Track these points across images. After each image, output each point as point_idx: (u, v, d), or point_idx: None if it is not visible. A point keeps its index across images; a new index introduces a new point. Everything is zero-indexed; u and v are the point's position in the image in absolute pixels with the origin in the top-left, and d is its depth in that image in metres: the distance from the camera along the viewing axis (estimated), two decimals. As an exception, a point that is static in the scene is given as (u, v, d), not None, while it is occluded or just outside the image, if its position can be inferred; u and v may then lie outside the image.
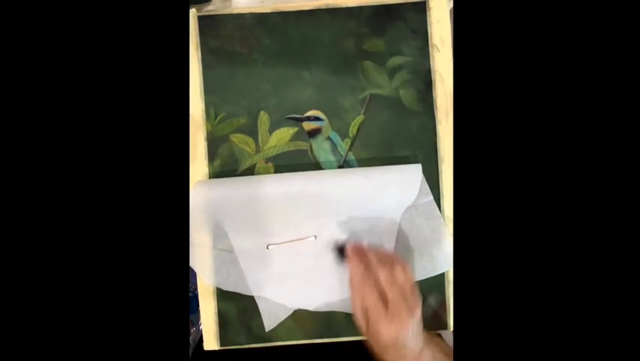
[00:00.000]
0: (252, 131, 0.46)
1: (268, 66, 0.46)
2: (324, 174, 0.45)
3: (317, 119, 0.46)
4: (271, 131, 0.46)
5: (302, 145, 0.46)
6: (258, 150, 0.46)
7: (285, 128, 0.46)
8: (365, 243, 0.42)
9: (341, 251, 0.44)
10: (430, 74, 0.46)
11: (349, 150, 0.46)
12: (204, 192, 0.44)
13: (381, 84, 0.46)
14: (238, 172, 0.46)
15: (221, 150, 0.47)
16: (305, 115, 0.46)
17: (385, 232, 0.45)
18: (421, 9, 0.46)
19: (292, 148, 0.46)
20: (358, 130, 0.46)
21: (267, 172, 0.46)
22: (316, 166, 0.46)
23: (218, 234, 0.46)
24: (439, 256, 0.46)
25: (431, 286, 0.46)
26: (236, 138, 0.46)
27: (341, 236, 0.45)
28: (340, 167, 0.46)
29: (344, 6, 0.46)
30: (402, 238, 0.45)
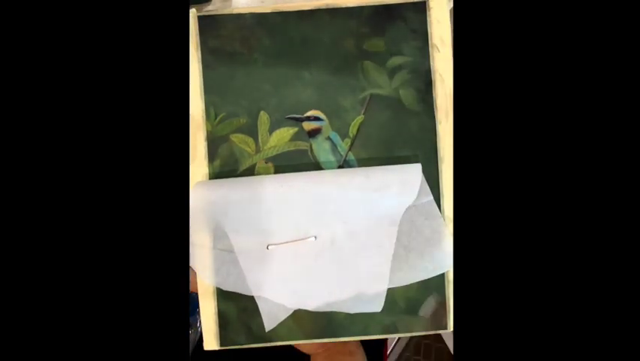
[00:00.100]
0: (252, 131, 0.46)
1: (268, 66, 0.46)
2: (324, 174, 0.45)
3: (317, 119, 0.46)
4: (271, 131, 0.46)
5: (302, 145, 0.46)
6: (258, 150, 0.46)
7: (285, 128, 0.46)
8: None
9: None
10: (430, 74, 0.46)
11: (349, 150, 0.46)
12: (204, 193, 0.44)
13: (381, 84, 0.46)
14: (238, 172, 0.46)
15: (221, 150, 0.47)
16: (305, 115, 0.46)
17: (385, 231, 0.45)
18: (421, 9, 0.46)
19: (292, 148, 0.46)
20: (358, 130, 0.46)
21: (267, 172, 0.46)
22: (316, 166, 0.46)
23: (219, 234, 0.46)
24: (439, 256, 0.46)
25: (431, 286, 0.46)
26: (236, 138, 0.46)
27: (341, 236, 0.45)
28: (340, 167, 0.46)
29: (344, 6, 0.46)
30: (402, 238, 0.45)
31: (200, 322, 0.50)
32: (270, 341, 0.47)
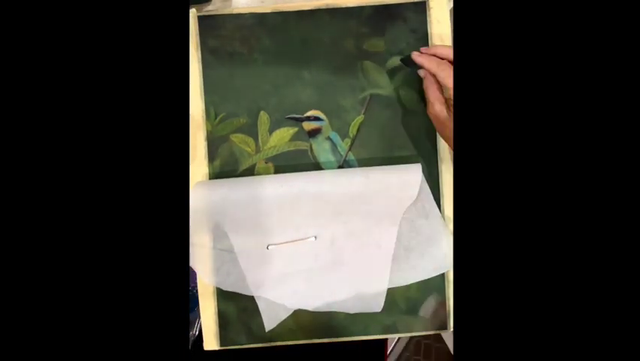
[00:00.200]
0: (252, 131, 0.46)
1: (268, 66, 0.46)
2: (324, 174, 0.45)
3: (317, 119, 0.46)
4: (271, 131, 0.46)
5: (302, 145, 0.46)
6: (258, 150, 0.46)
7: (285, 128, 0.46)
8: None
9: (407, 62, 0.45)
10: (430, 74, 0.46)
11: (349, 150, 0.46)
12: (204, 193, 0.44)
13: (381, 84, 0.46)
14: (238, 172, 0.46)
15: (221, 150, 0.47)
16: (305, 115, 0.46)
17: (385, 232, 0.45)
18: (421, 9, 0.46)
19: (292, 148, 0.46)
20: (358, 130, 0.46)
21: (267, 172, 0.46)
22: (316, 166, 0.46)
23: (219, 234, 0.46)
24: (439, 256, 0.46)
25: (431, 286, 0.46)
26: (236, 138, 0.47)
27: (341, 236, 0.45)
28: (340, 167, 0.46)
29: (344, 6, 0.46)
30: (402, 238, 0.45)
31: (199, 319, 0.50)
32: (270, 341, 0.47)
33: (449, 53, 0.42)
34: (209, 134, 0.47)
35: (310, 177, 0.44)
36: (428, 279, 0.46)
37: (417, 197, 0.44)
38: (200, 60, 0.46)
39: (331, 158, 0.46)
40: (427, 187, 0.45)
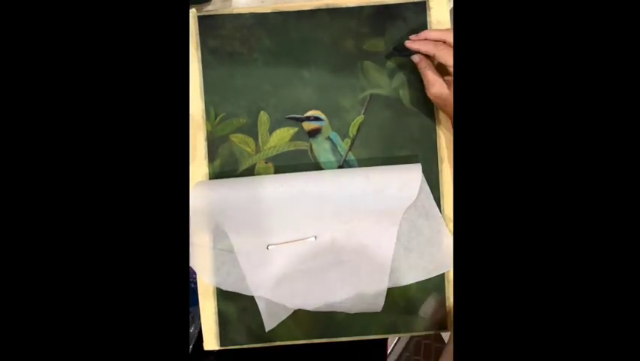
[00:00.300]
0: (252, 131, 0.46)
1: (268, 66, 0.46)
2: (324, 174, 0.45)
3: (317, 119, 0.46)
4: (271, 131, 0.46)
5: (302, 145, 0.46)
6: (258, 150, 0.46)
7: (285, 128, 0.46)
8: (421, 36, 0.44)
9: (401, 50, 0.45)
10: (430, 74, 0.46)
11: (349, 150, 0.46)
12: (204, 193, 0.44)
13: (381, 84, 0.46)
14: (238, 172, 0.46)
15: (221, 150, 0.47)
16: (305, 115, 0.46)
17: (385, 232, 0.45)
18: (421, 9, 0.46)
19: (292, 148, 0.46)
20: (358, 130, 0.46)
21: (267, 172, 0.46)
22: (316, 166, 0.46)
23: (219, 234, 0.46)
24: (439, 256, 0.46)
25: (431, 286, 0.46)
26: (236, 138, 0.47)
27: (341, 236, 0.45)
28: (340, 167, 0.46)
29: (344, 6, 0.46)
30: (402, 238, 0.45)
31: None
32: (270, 341, 0.47)
33: (440, 35, 0.43)
34: (209, 135, 0.47)
35: (310, 177, 0.44)
36: (428, 279, 0.46)
37: (417, 197, 0.44)
38: (200, 60, 0.46)
39: (331, 158, 0.46)
40: (427, 187, 0.45)
